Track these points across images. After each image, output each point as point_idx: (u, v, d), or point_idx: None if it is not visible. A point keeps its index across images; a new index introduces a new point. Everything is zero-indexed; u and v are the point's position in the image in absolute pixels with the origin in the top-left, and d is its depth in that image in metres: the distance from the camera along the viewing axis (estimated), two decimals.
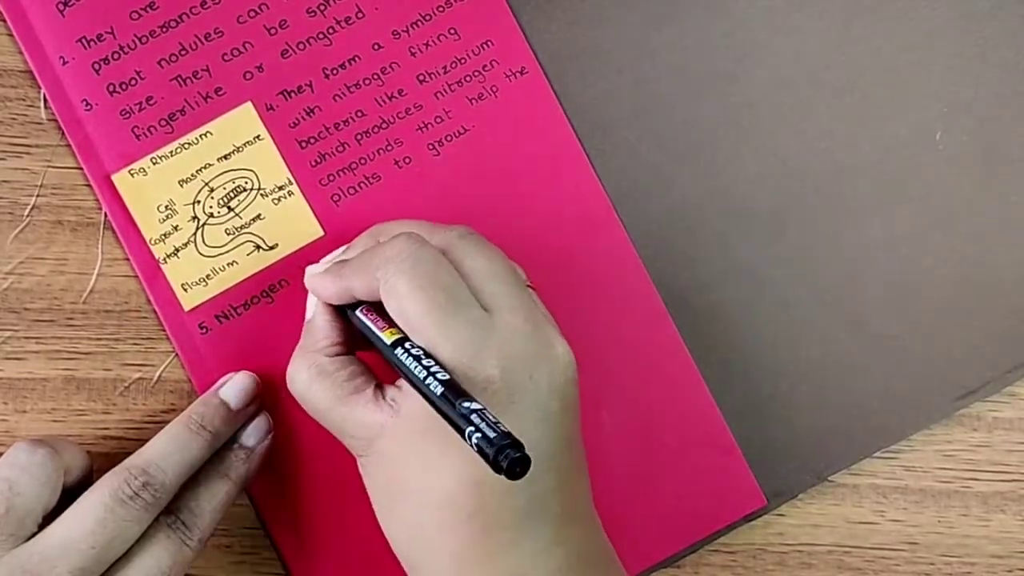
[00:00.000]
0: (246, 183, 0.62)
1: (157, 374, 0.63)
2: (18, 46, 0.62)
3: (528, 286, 0.57)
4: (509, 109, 0.64)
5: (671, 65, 0.65)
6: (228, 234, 0.62)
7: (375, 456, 0.55)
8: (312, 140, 0.63)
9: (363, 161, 0.63)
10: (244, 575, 0.63)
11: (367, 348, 0.56)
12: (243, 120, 0.62)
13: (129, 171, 0.62)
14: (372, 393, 0.55)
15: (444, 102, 0.63)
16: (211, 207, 0.62)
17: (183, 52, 0.62)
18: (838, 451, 0.65)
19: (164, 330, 0.62)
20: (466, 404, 0.48)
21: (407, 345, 0.52)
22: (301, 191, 0.62)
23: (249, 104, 0.62)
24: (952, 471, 0.66)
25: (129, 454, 0.59)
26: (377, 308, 0.55)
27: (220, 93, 0.62)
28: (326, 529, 0.62)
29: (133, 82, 0.62)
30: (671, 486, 0.64)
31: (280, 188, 0.62)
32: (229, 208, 0.62)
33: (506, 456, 0.45)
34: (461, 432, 0.47)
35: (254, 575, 0.63)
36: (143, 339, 0.63)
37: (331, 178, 0.63)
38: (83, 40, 0.62)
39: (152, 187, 0.62)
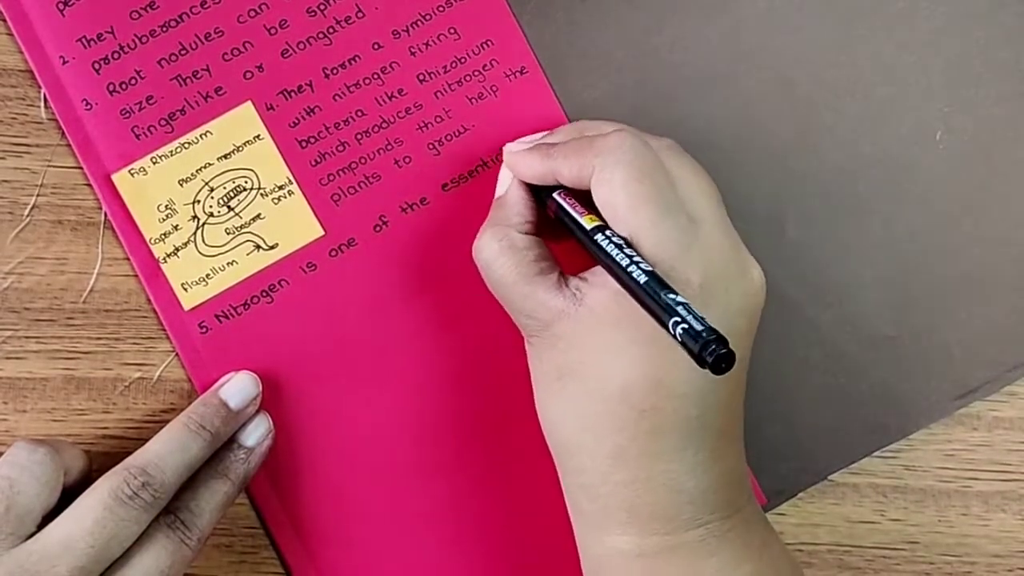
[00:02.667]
0: (246, 183, 0.62)
1: (157, 374, 0.63)
2: (18, 46, 0.62)
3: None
4: (509, 109, 0.64)
5: (671, 65, 0.65)
6: (228, 233, 0.62)
7: (549, 338, 0.55)
8: (312, 140, 0.63)
9: (363, 160, 0.63)
10: (244, 575, 0.63)
11: (554, 236, 0.57)
12: (243, 120, 0.62)
13: (129, 171, 0.62)
14: (556, 279, 0.55)
15: (444, 101, 0.63)
16: (211, 206, 0.62)
17: (183, 52, 0.62)
18: (838, 450, 0.65)
19: (164, 330, 0.62)
20: (672, 296, 0.48)
21: (608, 233, 0.53)
22: (301, 190, 0.62)
23: (249, 104, 0.62)
24: (952, 470, 0.66)
25: (129, 454, 0.59)
26: (577, 196, 0.56)
27: (220, 93, 0.62)
28: (326, 529, 0.62)
29: (133, 81, 0.62)
30: None
31: (280, 188, 0.62)
32: (229, 208, 0.62)
33: (713, 351, 0.45)
34: (663, 322, 0.47)
35: (254, 575, 0.63)
36: (143, 339, 0.63)
37: (331, 177, 0.63)
38: (83, 39, 0.62)
39: (152, 187, 0.62)
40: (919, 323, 0.65)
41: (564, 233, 0.56)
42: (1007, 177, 0.66)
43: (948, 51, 0.66)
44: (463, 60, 0.64)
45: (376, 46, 0.63)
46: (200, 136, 0.62)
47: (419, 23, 0.63)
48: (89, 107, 0.62)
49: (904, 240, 0.65)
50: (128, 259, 0.62)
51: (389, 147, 0.63)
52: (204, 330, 0.62)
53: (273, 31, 0.62)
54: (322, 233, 0.62)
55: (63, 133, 0.62)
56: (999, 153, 0.66)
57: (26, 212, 0.62)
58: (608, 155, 0.54)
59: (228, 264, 0.62)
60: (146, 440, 0.60)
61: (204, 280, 0.62)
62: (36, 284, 0.62)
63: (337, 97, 0.63)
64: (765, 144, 0.65)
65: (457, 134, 0.64)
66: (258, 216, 0.62)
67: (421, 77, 0.63)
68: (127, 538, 0.55)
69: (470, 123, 0.64)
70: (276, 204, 0.62)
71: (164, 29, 0.62)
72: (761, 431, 0.64)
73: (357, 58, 0.63)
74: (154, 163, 0.62)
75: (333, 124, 0.63)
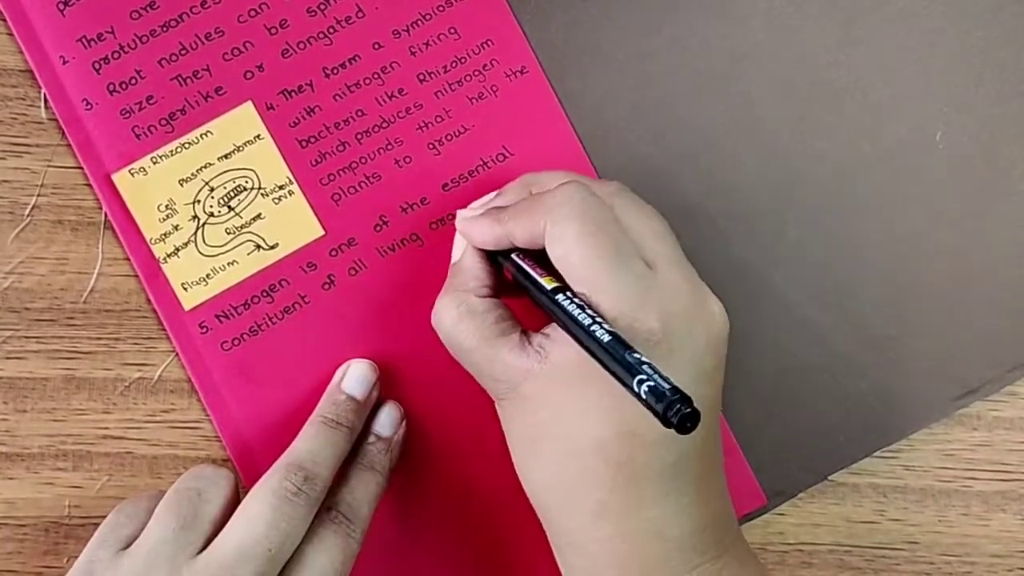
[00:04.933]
0: (246, 182, 0.62)
1: (157, 374, 0.63)
2: (18, 45, 0.62)
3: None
4: (509, 109, 0.64)
5: (671, 65, 0.65)
6: (228, 233, 0.62)
7: (518, 400, 0.55)
8: (312, 139, 0.63)
9: (363, 160, 0.63)
10: None
11: (512, 296, 0.57)
12: (243, 119, 0.62)
13: (129, 170, 0.62)
14: (519, 338, 0.55)
15: (444, 101, 0.63)
16: (211, 206, 0.62)
17: (183, 51, 0.62)
18: (838, 450, 0.65)
19: (164, 330, 0.62)
20: (635, 355, 0.48)
21: (568, 293, 0.52)
22: (301, 190, 0.62)
23: (249, 103, 0.62)
24: (952, 470, 0.66)
25: (130, 454, 0.60)
26: (531, 257, 0.56)
27: (220, 92, 0.62)
28: None
29: (133, 81, 0.62)
30: None
31: (280, 187, 0.62)
32: (229, 207, 0.62)
33: (677, 411, 0.45)
34: (626, 383, 0.47)
35: None
36: (143, 339, 0.63)
37: (331, 177, 0.63)
38: (83, 39, 0.62)
39: (152, 186, 0.62)
40: (919, 323, 0.65)
41: (522, 291, 0.56)
42: (1007, 177, 0.66)
43: (948, 51, 0.66)
44: (463, 60, 0.64)
45: (376, 46, 0.63)
46: (200, 136, 0.62)
47: (419, 23, 0.63)
48: (89, 107, 0.62)
49: (904, 240, 0.65)
50: (128, 259, 0.62)
51: (389, 147, 0.63)
52: (204, 330, 0.62)
53: (273, 31, 0.63)
54: (322, 233, 0.62)
55: (63, 133, 0.62)
56: (999, 153, 0.66)
57: (26, 212, 0.62)
58: (557, 211, 0.53)
59: (228, 264, 0.62)
60: (148, 440, 0.61)
61: (204, 280, 0.62)
62: (36, 284, 0.62)
63: (337, 97, 0.63)
64: (765, 144, 0.65)
65: (457, 134, 0.64)
66: (258, 216, 0.62)
67: (421, 77, 0.63)
68: (297, 536, 0.55)
69: (470, 123, 0.64)
70: (276, 204, 0.62)
71: (164, 29, 0.62)
72: (761, 431, 0.64)
73: (357, 58, 0.63)
74: (154, 163, 0.62)
75: (333, 124, 0.63)
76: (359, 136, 0.63)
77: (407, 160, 0.63)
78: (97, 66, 0.62)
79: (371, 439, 0.61)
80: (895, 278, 0.65)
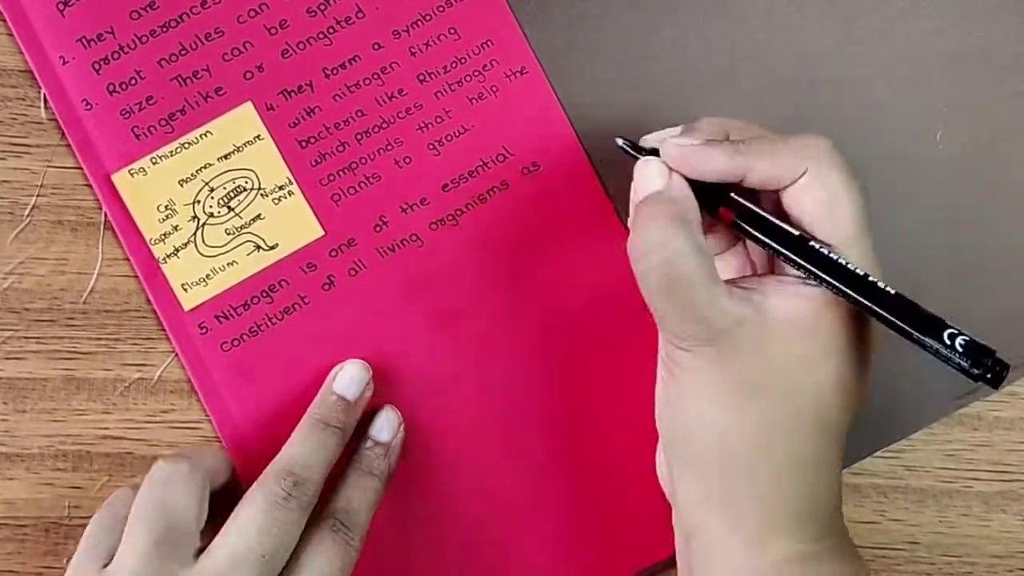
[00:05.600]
0: (246, 183, 0.62)
1: (157, 374, 0.63)
2: (18, 46, 0.62)
3: None
4: (509, 109, 0.64)
5: (671, 65, 0.65)
6: (228, 234, 0.62)
7: (725, 349, 0.52)
8: (312, 140, 0.63)
9: (363, 161, 0.63)
10: None
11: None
12: (243, 120, 0.62)
13: (129, 171, 0.62)
14: (731, 286, 0.53)
15: (444, 102, 0.63)
16: (211, 207, 0.62)
17: (183, 52, 0.62)
18: None
19: (164, 330, 0.62)
20: (929, 312, 0.48)
21: (816, 243, 0.52)
22: (301, 191, 0.62)
23: (249, 104, 0.62)
24: (953, 471, 0.66)
25: (130, 454, 0.60)
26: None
27: (220, 93, 0.62)
28: None
29: (133, 82, 0.62)
30: None
31: (280, 188, 0.62)
32: (229, 208, 0.62)
33: (994, 363, 0.46)
34: (927, 338, 0.47)
35: None
36: (143, 339, 0.63)
37: (331, 178, 0.63)
38: (83, 40, 0.62)
39: (152, 187, 0.62)
40: None
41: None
42: (1007, 176, 0.66)
43: (948, 51, 0.66)
44: (463, 60, 0.64)
45: (376, 46, 0.63)
46: (200, 136, 0.62)
47: (419, 23, 0.63)
48: (89, 107, 0.62)
49: (903, 239, 0.65)
50: (128, 259, 0.62)
51: (389, 147, 0.63)
52: (204, 331, 0.62)
53: (273, 31, 0.63)
54: (322, 233, 0.62)
55: (63, 133, 0.62)
56: (999, 152, 0.66)
57: (26, 212, 0.62)
58: (825, 158, 0.53)
59: (228, 264, 0.62)
60: (148, 440, 0.61)
61: (204, 280, 0.62)
62: (36, 284, 0.62)
63: (337, 97, 0.63)
64: None
65: (457, 134, 0.63)
66: (258, 216, 0.62)
67: (421, 77, 0.63)
68: (291, 542, 0.55)
69: (470, 123, 0.64)
70: (276, 204, 0.62)
71: (164, 29, 0.62)
72: None
73: (357, 58, 0.63)
74: (154, 163, 0.62)
75: (333, 124, 0.63)
76: (359, 136, 0.63)
77: (407, 160, 0.63)
78: (97, 66, 0.62)
79: (369, 444, 0.61)
80: (894, 277, 0.65)
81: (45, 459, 0.62)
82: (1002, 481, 0.66)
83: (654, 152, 0.55)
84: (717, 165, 0.53)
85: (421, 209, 0.63)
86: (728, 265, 0.58)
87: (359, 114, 0.63)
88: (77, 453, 0.62)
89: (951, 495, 0.66)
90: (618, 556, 0.63)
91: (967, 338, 0.46)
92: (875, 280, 0.51)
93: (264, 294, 0.62)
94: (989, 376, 0.45)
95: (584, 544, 0.63)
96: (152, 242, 0.61)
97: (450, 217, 0.63)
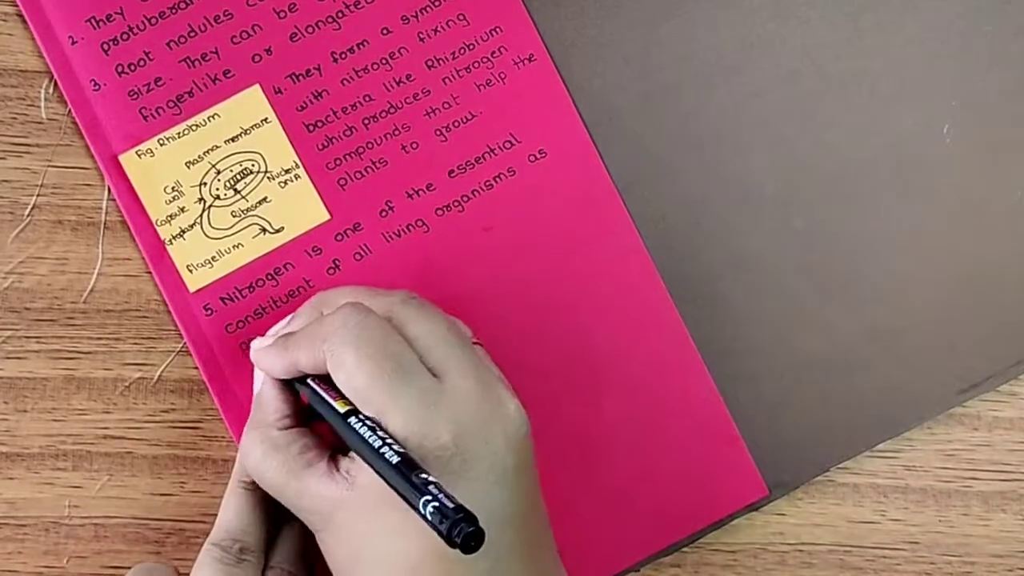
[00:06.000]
0: (253, 165, 0.62)
1: (157, 374, 0.62)
2: (27, 26, 0.62)
3: (475, 343, 0.57)
4: (517, 96, 0.64)
5: (679, 55, 0.65)
6: (234, 216, 0.62)
7: (333, 530, 0.54)
8: (319, 124, 0.63)
9: (370, 145, 0.63)
10: None
11: (318, 419, 0.56)
12: (251, 103, 0.62)
13: (136, 152, 0.62)
14: (326, 466, 0.54)
15: (452, 88, 0.64)
16: (218, 189, 0.62)
17: (192, 34, 0.62)
18: (840, 443, 0.65)
19: (169, 312, 0.62)
20: (422, 475, 0.47)
21: (360, 416, 0.52)
22: (308, 174, 0.62)
23: (257, 87, 0.62)
24: (953, 470, 0.66)
25: (130, 454, 0.60)
26: (326, 379, 0.55)
27: (228, 75, 0.62)
28: None
29: (142, 63, 0.62)
30: (673, 475, 0.64)
31: (287, 171, 0.62)
32: (235, 190, 0.62)
33: (460, 530, 0.45)
34: (414, 505, 0.47)
35: None
36: (143, 339, 0.63)
37: (338, 162, 0.63)
38: (92, 20, 0.62)
39: (159, 168, 0.62)
40: (923, 316, 0.65)
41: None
42: (1013, 171, 0.66)
43: (956, 45, 0.66)
44: (472, 46, 0.64)
45: (385, 31, 0.63)
46: (208, 118, 0.62)
47: (428, 9, 0.64)
48: (97, 88, 0.62)
49: (909, 233, 0.65)
50: (129, 259, 0.62)
51: (396, 132, 0.63)
52: (209, 312, 0.62)
53: (282, 14, 0.63)
54: (328, 217, 0.62)
55: (65, 127, 0.62)
56: (1006, 147, 0.66)
57: (26, 212, 0.62)
58: (333, 337, 0.53)
59: (234, 247, 0.62)
60: (148, 440, 0.61)
61: (210, 262, 0.62)
62: (36, 284, 0.62)
63: (345, 81, 0.63)
64: (772, 135, 0.65)
65: (464, 120, 0.64)
66: (264, 199, 0.62)
67: (429, 63, 0.64)
68: None
69: (478, 110, 0.64)
70: (282, 188, 0.62)
71: (173, 11, 0.62)
72: (763, 422, 0.64)
73: (366, 43, 0.63)
74: (161, 145, 0.62)
75: (341, 108, 0.63)
76: (366, 121, 0.63)
77: (414, 146, 0.63)
78: (106, 47, 0.62)
79: None
80: (899, 270, 0.65)
81: (45, 459, 0.62)
82: (1002, 481, 0.67)
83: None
84: (275, 366, 0.57)
85: (427, 195, 0.63)
86: None
87: (367, 99, 0.63)
88: (77, 453, 0.62)
89: (951, 495, 0.66)
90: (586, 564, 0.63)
91: (436, 504, 0.46)
92: (381, 447, 0.49)
93: (269, 277, 0.62)
94: (459, 542, 0.45)
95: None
96: (158, 223, 0.61)
97: (456, 203, 0.63)
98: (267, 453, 0.55)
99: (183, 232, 0.62)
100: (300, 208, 0.62)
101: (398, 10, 0.63)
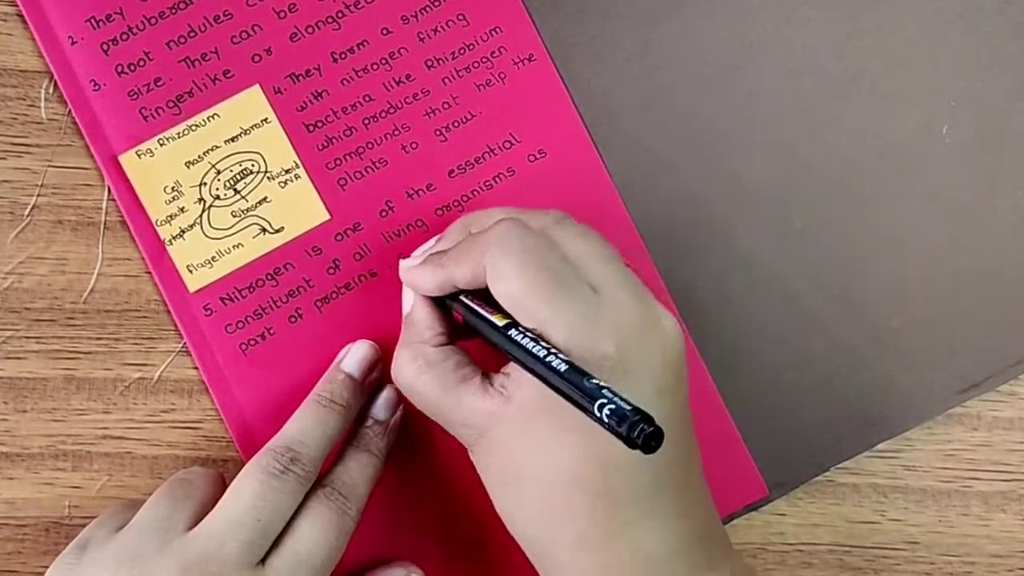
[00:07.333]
0: (253, 166, 0.62)
1: (158, 374, 0.62)
2: (27, 26, 0.62)
3: (626, 265, 0.57)
4: (517, 96, 0.64)
5: (678, 55, 0.65)
6: (234, 216, 0.62)
7: (487, 444, 0.54)
8: (319, 124, 0.63)
9: (370, 145, 0.63)
10: None
11: (468, 338, 0.57)
12: (251, 103, 0.62)
13: (136, 152, 0.62)
14: (480, 382, 0.55)
15: (452, 88, 0.64)
16: (218, 189, 0.62)
17: (192, 34, 0.62)
18: (840, 442, 0.65)
19: (169, 312, 0.62)
20: (593, 380, 0.47)
21: (520, 328, 0.52)
22: (308, 174, 0.62)
23: (257, 87, 0.62)
24: (952, 470, 0.66)
25: (130, 454, 0.60)
26: (479, 296, 0.55)
27: (228, 75, 0.62)
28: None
29: (142, 63, 0.62)
30: None
31: (287, 171, 0.62)
32: (235, 190, 0.62)
33: (640, 431, 0.44)
34: (588, 409, 0.47)
35: None
36: (143, 339, 0.62)
37: (338, 162, 0.63)
38: (92, 20, 0.62)
39: (159, 168, 0.62)
40: (922, 316, 0.65)
41: (476, 334, 0.55)
42: (1013, 171, 0.66)
43: (955, 45, 0.66)
44: (471, 47, 0.64)
45: (385, 31, 0.63)
46: (207, 119, 0.62)
47: (428, 9, 0.64)
48: (97, 88, 0.62)
49: (909, 233, 0.65)
50: (129, 259, 0.62)
51: (396, 132, 0.63)
52: (209, 312, 0.62)
53: (282, 14, 0.63)
54: (328, 217, 0.62)
55: (65, 124, 0.62)
56: (1005, 147, 0.66)
57: (26, 212, 0.62)
58: (494, 249, 0.53)
59: (234, 247, 0.62)
60: (148, 440, 0.61)
61: (210, 262, 0.62)
62: (36, 284, 0.62)
63: (345, 82, 0.63)
64: (771, 135, 0.65)
65: (464, 120, 0.64)
66: (264, 199, 0.62)
67: (429, 63, 0.64)
68: (287, 510, 0.55)
69: (477, 110, 0.64)
70: (282, 188, 0.62)
71: (173, 11, 0.62)
72: (763, 422, 0.64)
73: (365, 43, 0.63)
74: (161, 145, 0.62)
75: (341, 109, 0.63)
76: (366, 121, 0.63)
77: (414, 146, 0.63)
78: (106, 47, 0.62)
79: (369, 422, 0.61)
80: (899, 270, 0.65)
81: (45, 459, 0.62)
82: (1002, 481, 0.67)
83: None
84: (428, 283, 0.57)
85: (427, 195, 0.63)
86: None
87: (367, 99, 0.63)
88: (77, 453, 0.62)
89: (950, 495, 0.66)
90: None
91: (612, 407, 0.46)
92: (547, 357, 0.50)
93: (269, 277, 0.62)
94: (640, 442, 0.45)
95: None
96: (158, 223, 0.61)
97: (456, 203, 0.63)
98: (421, 369, 0.56)
99: (183, 232, 0.62)
100: (300, 208, 0.62)
101: (398, 10, 0.63)
